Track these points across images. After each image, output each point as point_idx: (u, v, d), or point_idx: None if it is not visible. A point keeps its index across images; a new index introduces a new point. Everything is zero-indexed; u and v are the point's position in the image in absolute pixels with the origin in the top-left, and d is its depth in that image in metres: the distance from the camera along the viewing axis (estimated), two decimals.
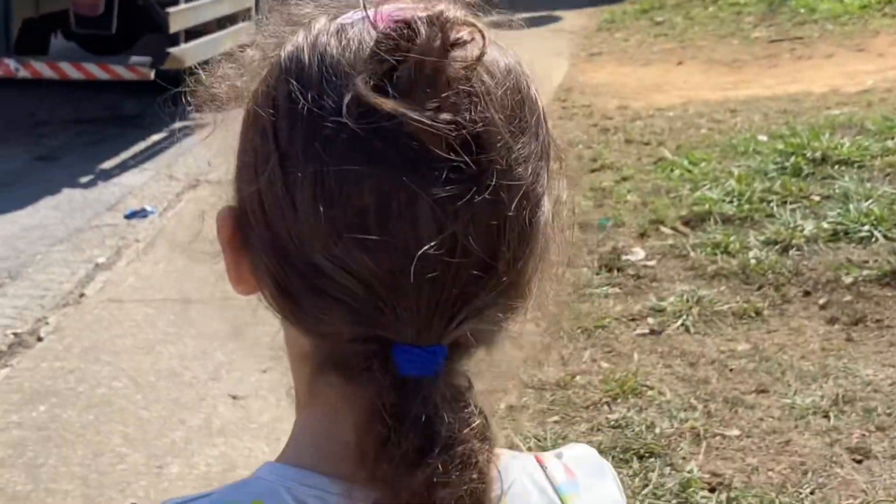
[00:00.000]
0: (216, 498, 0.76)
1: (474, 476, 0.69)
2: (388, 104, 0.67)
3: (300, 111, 0.70)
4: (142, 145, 7.68)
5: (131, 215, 6.18)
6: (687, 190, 5.55)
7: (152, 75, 7.10)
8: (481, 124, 0.69)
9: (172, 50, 7.20)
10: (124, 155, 7.39)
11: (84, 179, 6.87)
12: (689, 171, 5.85)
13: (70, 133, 7.94)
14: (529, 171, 0.71)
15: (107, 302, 4.77)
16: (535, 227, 0.72)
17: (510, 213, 0.70)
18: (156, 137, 7.90)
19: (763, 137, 6.37)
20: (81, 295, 4.90)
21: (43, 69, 7.09)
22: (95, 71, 7.07)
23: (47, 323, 4.60)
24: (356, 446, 0.69)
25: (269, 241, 0.72)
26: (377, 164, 0.68)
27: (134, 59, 7.09)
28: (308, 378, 0.75)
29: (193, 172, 6.89)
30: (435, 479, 0.67)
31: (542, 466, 0.83)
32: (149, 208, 6.24)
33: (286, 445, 0.78)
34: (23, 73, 7.12)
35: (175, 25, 7.12)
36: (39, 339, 4.44)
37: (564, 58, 10.26)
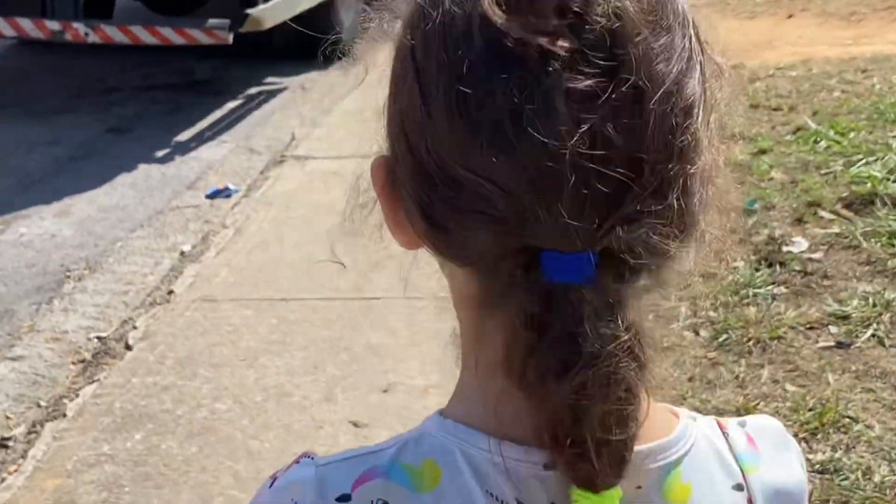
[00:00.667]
0: (384, 455, 0.73)
1: (621, 394, 0.66)
2: (509, 16, 0.66)
3: (432, 28, 0.69)
4: (217, 114, 7.15)
5: (214, 194, 5.65)
6: (840, 165, 4.91)
7: (231, 39, 6.54)
8: (616, 19, 0.65)
9: (251, 11, 6.62)
10: (200, 125, 6.86)
11: (160, 153, 6.35)
12: (837, 143, 5.19)
13: (142, 101, 7.42)
14: (673, 71, 0.68)
15: (199, 301, 4.24)
16: (684, 134, 0.68)
17: (653, 110, 0.66)
18: (232, 105, 7.37)
19: None
20: (170, 292, 4.38)
21: (115, 34, 6.55)
22: (171, 35, 6.52)
23: (135, 327, 4.08)
24: (505, 359, 0.68)
25: (413, 169, 0.71)
26: (509, 68, 0.66)
27: (211, 21, 6.52)
28: (474, 322, 0.73)
29: (275, 146, 6.34)
30: (580, 393, 0.65)
31: (723, 432, 0.80)
32: (232, 187, 5.71)
33: (453, 397, 0.76)
34: (93, 37, 6.59)
35: None
36: (128, 347, 3.93)
37: None
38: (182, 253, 4.84)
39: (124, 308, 4.31)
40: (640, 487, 0.72)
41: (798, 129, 5.51)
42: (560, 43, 0.65)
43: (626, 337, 0.66)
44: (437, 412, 0.75)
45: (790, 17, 8.52)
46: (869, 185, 4.57)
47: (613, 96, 0.65)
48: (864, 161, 4.87)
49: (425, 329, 3.86)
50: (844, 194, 4.56)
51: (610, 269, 0.67)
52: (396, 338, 3.85)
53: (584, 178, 0.65)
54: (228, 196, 5.60)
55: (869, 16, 8.08)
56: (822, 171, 4.89)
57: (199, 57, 8.08)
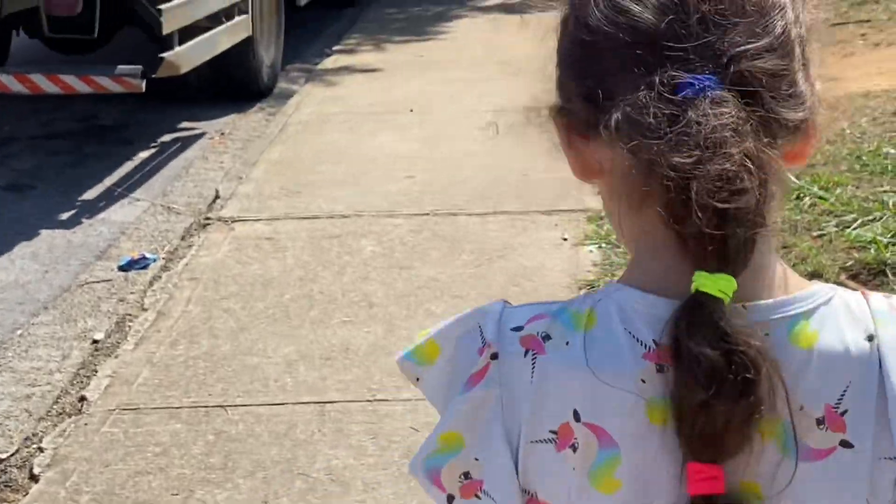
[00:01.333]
0: (558, 304, 0.89)
1: (728, 163, 0.79)
2: None
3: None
4: (128, 167, 6.44)
5: (128, 266, 4.96)
6: (833, 227, 4.43)
7: (143, 87, 5.86)
8: None
9: (166, 55, 5.95)
10: (109, 181, 6.14)
11: (64, 216, 5.63)
12: (824, 199, 4.73)
13: (41, 152, 6.67)
14: None
15: (118, 412, 3.56)
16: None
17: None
18: (143, 155, 6.67)
19: (890, 149, 5.26)
20: (82, 399, 3.69)
21: (11, 83, 5.82)
22: (76, 83, 5.80)
23: (41, 449, 3.39)
24: (673, 262, 0.84)
25: (577, 91, 0.89)
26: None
27: (121, 68, 5.83)
28: (637, 202, 0.85)
29: (196, 205, 5.67)
30: (708, 167, 0.80)
31: (865, 298, 0.88)
32: (149, 256, 5.02)
33: (626, 271, 0.91)
34: None
35: (169, 25, 5.87)
36: (33, 478, 3.24)
37: None
38: (94, 342, 4.16)
39: (27, 419, 3.62)
40: (767, 334, 0.82)
41: None
42: None
43: (732, 119, 0.81)
44: (614, 281, 0.91)
45: None
46: (873, 251, 4.10)
47: None
48: (859, 221, 4.40)
49: (396, 444, 3.26)
50: (848, 263, 4.08)
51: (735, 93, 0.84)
52: (362, 457, 3.23)
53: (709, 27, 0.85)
54: (145, 267, 4.91)
55: (818, 51, 7.69)
56: (815, 234, 4.42)
57: (104, 99, 7.36)
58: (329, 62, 9.12)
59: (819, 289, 0.86)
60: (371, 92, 7.88)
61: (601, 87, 0.87)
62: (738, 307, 0.80)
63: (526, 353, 0.85)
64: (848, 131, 5.73)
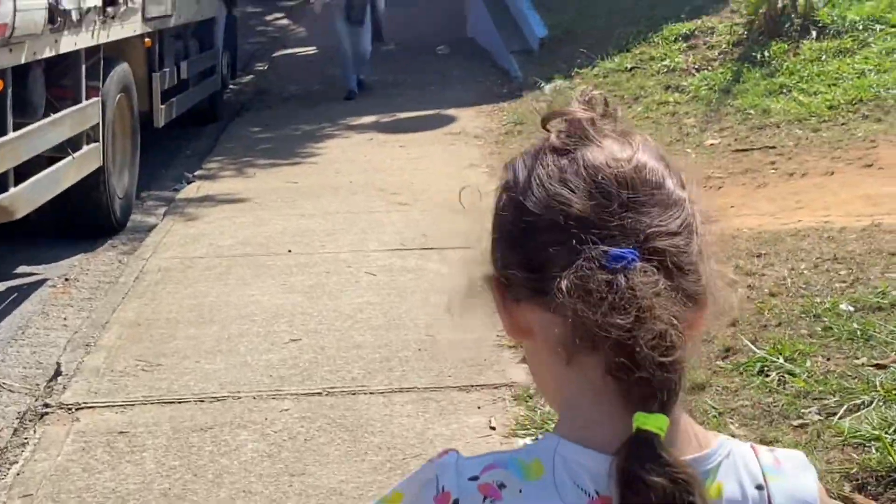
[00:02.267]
0: (507, 454, 1.00)
1: (666, 339, 0.94)
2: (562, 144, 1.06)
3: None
4: None
5: None
6: (815, 413, 3.70)
7: None
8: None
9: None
10: None
11: None
12: (792, 375, 4.00)
13: None
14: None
15: None
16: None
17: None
18: None
19: (847, 307, 4.61)
20: None
21: None
22: None
23: None
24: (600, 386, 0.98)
25: (516, 262, 1.02)
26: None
27: None
28: (563, 360, 0.99)
29: (33, 382, 4.63)
30: (639, 330, 0.94)
31: (755, 452, 1.02)
32: None
33: (558, 422, 1.02)
34: None
35: (2, 164, 4.88)
36: None
37: (484, 171, 8.39)
38: None
39: None
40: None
41: (728, 350, 4.31)
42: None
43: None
44: (550, 432, 1.02)
45: None
46: (875, 450, 3.36)
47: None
48: (845, 407, 3.68)
49: None
50: (851, 468, 3.33)
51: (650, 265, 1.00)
52: None
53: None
54: None
55: (727, 181, 7.15)
56: (795, 423, 3.67)
57: None
58: (191, 190, 8.17)
59: (720, 443, 1.00)
60: (240, 227, 6.96)
61: (538, 259, 1.00)
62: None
63: (484, 499, 0.96)
64: (790, 280, 5.07)
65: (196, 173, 8.77)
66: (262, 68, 15.25)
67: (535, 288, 0.99)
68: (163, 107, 8.43)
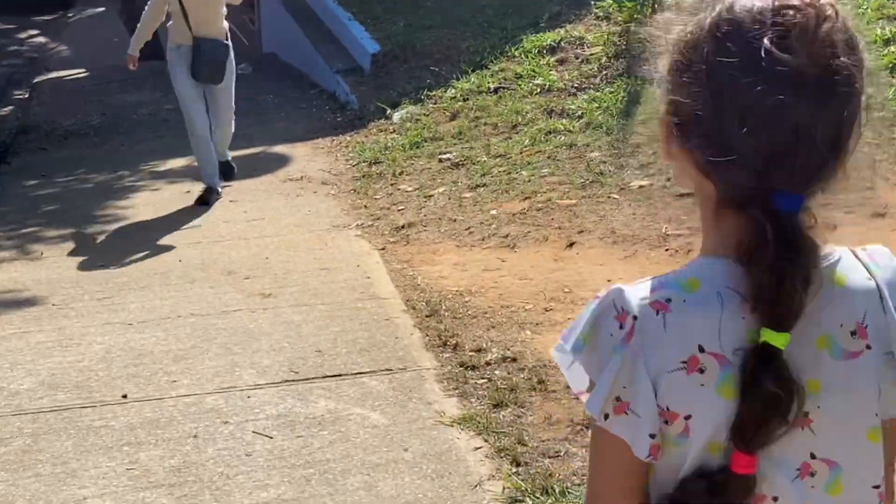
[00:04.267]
0: (663, 279, 1.21)
1: (805, 274, 1.14)
2: (784, 55, 1.12)
3: (726, 53, 1.15)
4: None
5: None
6: None
7: None
8: (837, 65, 1.14)
9: None
10: None
11: None
12: None
13: None
14: (858, 90, 1.16)
15: None
16: (857, 126, 1.17)
17: (847, 115, 1.15)
18: None
19: None
20: None
21: None
22: None
23: None
24: (745, 246, 1.16)
25: (700, 133, 1.17)
26: (777, 89, 1.12)
27: None
28: (716, 209, 1.20)
29: None
30: (794, 272, 1.13)
31: (853, 253, 1.25)
32: None
33: (701, 252, 1.24)
34: None
35: None
36: None
37: (357, 235, 6.37)
38: None
39: None
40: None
41: None
42: (799, 74, 1.13)
43: (813, 236, 1.17)
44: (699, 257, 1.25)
45: (572, 244, 5.70)
46: None
47: (831, 105, 1.14)
48: None
49: None
50: None
51: (809, 199, 1.17)
52: None
53: (808, 156, 1.15)
54: None
55: (691, 238, 5.44)
56: None
57: None
58: None
59: (832, 248, 1.22)
60: (39, 353, 4.69)
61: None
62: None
63: (657, 312, 1.18)
64: None
65: None
66: (21, 96, 12.58)
67: None
68: None
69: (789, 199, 1.14)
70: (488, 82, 8.72)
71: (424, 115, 8.64)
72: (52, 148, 9.41)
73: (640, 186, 6.43)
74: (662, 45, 1.22)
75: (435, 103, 8.78)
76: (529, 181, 6.79)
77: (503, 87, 8.63)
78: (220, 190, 7.24)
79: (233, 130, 7.43)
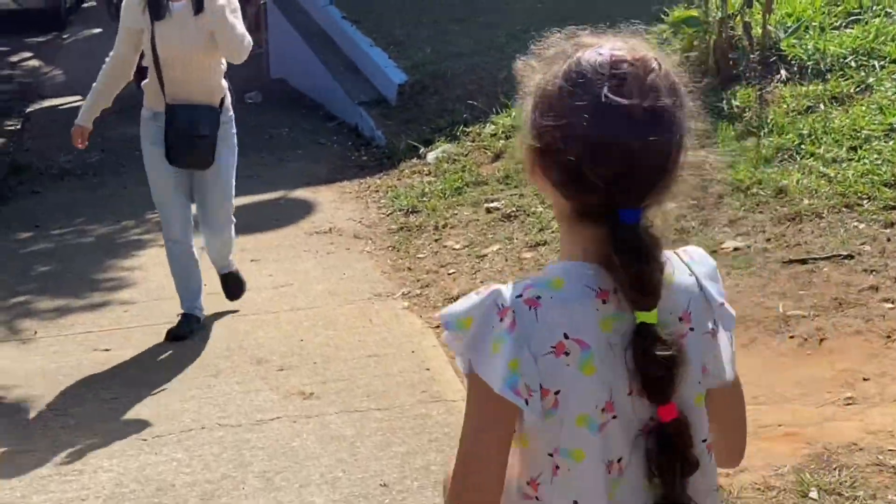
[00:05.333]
0: (534, 280, 1.44)
1: (656, 264, 1.39)
2: (620, 100, 1.37)
3: (576, 97, 1.39)
4: None
5: None
6: None
7: None
8: (661, 105, 1.39)
9: None
10: None
11: None
12: None
13: None
14: (681, 125, 1.41)
15: None
16: (682, 152, 1.41)
17: (676, 139, 1.40)
18: None
19: None
20: None
21: None
22: None
23: None
24: (601, 254, 1.40)
25: (556, 161, 1.40)
26: (616, 126, 1.37)
27: None
28: (572, 221, 1.43)
29: None
30: (644, 267, 1.37)
31: (676, 253, 1.51)
32: None
33: (560, 256, 1.49)
34: None
35: None
36: None
37: (404, 307, 5.40)
38: None
39: None
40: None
41: None
42: (632, 115, 1.38)
43: (658, 239, 1.42)
44: (551, 263, 1.52)
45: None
46: None
47: (659, 139, 1.40)
48: None
49: None
50: None
51: (646, 214, 1.41)
52: None
53: (643, 178, 1.40)
54: None
55: (828, 331, 4.46)
56: None
57: None
58: None
59: (669, 254, 1.48)
60: (31, 487, 3.72)
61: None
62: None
63: (530, 308, 1.40)
64: None
65: None
66: (13, 127, 11.60)
67: None
68: None
69: (631, 213, 1.38)
70: None
71: (462, 154, 7.68)
72: (47, 190, 8.42)
73: (736, 249, 5.48)
74: (527, 88, 1.48)
75: (473, 141, 7.82)
76: None
77: None
78: (201, 317, 5.15)
79: (234, 237, 5.23)
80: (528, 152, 1.44)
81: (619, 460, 1.41)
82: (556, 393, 1.39)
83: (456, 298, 5.92)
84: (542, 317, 1.38)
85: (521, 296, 1.40)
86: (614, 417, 1.40)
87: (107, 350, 5.01)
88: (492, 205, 6.72)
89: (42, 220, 7.49)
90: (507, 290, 1.41)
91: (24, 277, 6.24)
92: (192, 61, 4.78)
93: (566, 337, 1.38)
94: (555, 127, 1.38)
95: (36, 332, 5.32)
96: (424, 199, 7.05)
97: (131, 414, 4.28)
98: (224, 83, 4.95)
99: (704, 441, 1.47)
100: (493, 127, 7.87)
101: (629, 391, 1.40)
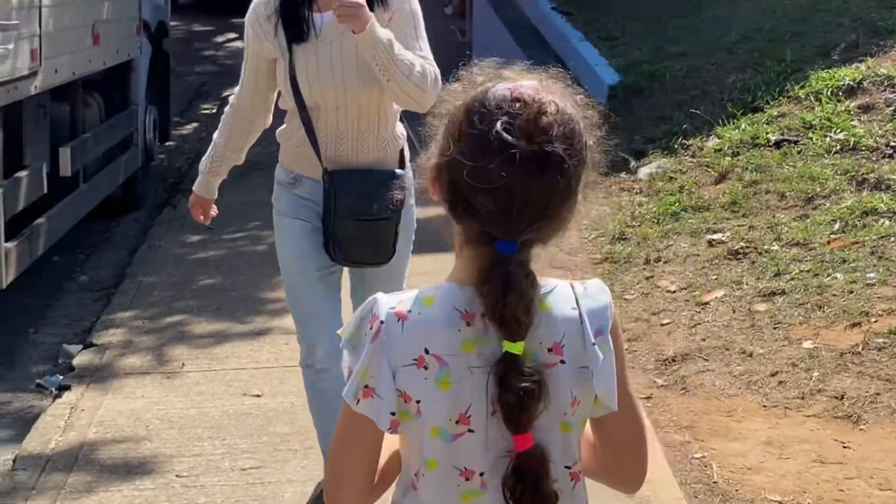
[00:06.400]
0: (411, 295, 1.49)
1: (524, 299, 1.40)
2: (507, 137, 1.39)
3: (472, 126, 1.43)
4: None
5: None
6: None
7: None
8: (550, 149, 1.40)
9: None
10: None
11: None
12: None
13: None
14: (571, 169, 1.42)
15: None
16: (570, 197, 1.44)
17: (561, 185, 1.41)
18: None
19: None
20: None
21: None
22: None
23: None
24: (477, 279, 1.43)
25: (448, 184, 1.44)
26: (500, 161, 1.39)
27: None
28: (461, 244, 1.48)
29: None
30: (509, 299, 1.39)
31: (571, 285, 1.52)
32: None
33: (450, 276, 1.50)
34: None
35: None
36: None
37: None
38: None
39: None
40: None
41: None
42: (524, 154, 1.40)
43: (531, 276, 1.42)
44: (444, 282, 1.51)
45: None
46: None
47: (545, 179, 1.42)
48: None
49: None
50: None
51: (525, 248, 1.43)
52: None
53: (524, 213, 1.41)
54: None
55: None
56: None
57: None
58: (48, 432, 4.12)
59: (549, 281, 1.49)
60: None
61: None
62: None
63: (398, 319, 1.46)
64: None
65: (76, 361, 4.74)
66: (209, 111, 11.24)
67: None
68: (10, 248, 4.44)
69: (507, 245, 1.42)
70: (766, 132, 6.61)
71: (680, 171, 6.63)
72: (230, 185, 7.82)
73: None
74: (445, 110, 1.50)
75: (693, 156, 6.76)
76: (851, 292, 4.70)
77: (787, 140, 6.51)
78: None
79: None
80: (430, 170, 1.49)
81: (481, 474, 1.47)
82: (418, 402, 1.46)
83: (672, 359, 4.99)
84: (407, 330, 1.46)
85: (394, 307, 1.47)
86: (470, 431, 1.46)
87: (258, 396, 4.28)
88: (715, 236, 5.67)
89: (215, 220, 6.87)
90: (384, 300, 1.49)
91: (184, 290, 5.61)
92: (355, 102, 3.07)
93: (426, 352, 1.45)
94: (451, 150, 1.44)
95: (183, 365, 4.63)
96: (634, 224, 6.06)
97: (271, 491, 3.51)
98: (400, 128, 3.25)
99: (568, 468, 1.51)
100: (717, 140, 6.78)
101: (492, 411, 1.44)
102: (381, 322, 1.45)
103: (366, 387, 1.44)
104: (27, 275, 5.07)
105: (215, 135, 3.37)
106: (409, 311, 1.46)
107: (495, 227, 1.41)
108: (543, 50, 9.47)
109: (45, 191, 4.94)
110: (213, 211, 3.52)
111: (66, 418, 4.10)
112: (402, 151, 3.23)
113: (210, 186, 3.46)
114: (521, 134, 1.39)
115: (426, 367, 1.44)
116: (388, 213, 3.11)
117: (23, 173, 4.68)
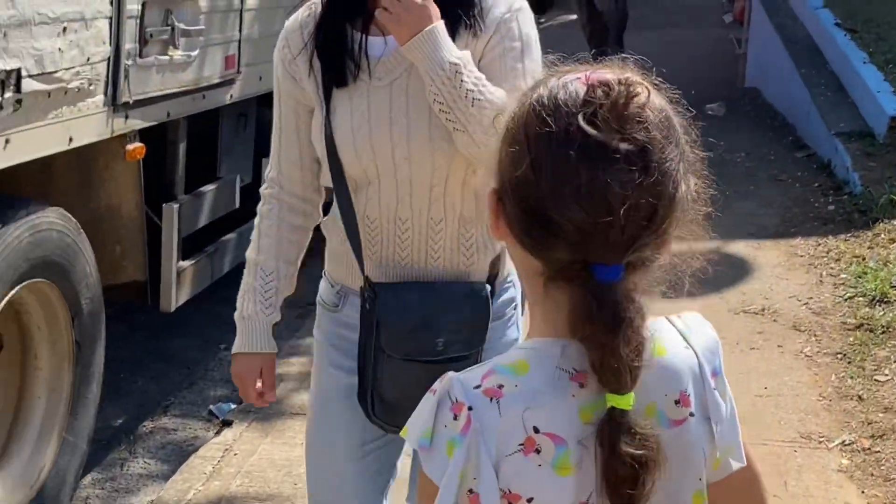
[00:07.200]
0: (493, 366, 1.17)
1: (636, 337, 1.11)
2: (594, 131, 1.09)
3: (544, 125, 1.12)
4: None
5: None
6: None
7: None
8: (647, 139, 1.11)
9: None
10: None
11: None
12: None
13: None
14: (674, 167, 1.12)
15: None
16: (676, 201, 1.13)
17: (662, 190, 1.11)
18: None
19: None
20: None
21: None
22: None
23: None
24: (571, 321, 1.12)
25: (520, 206, 1.13)
26: (589, 162, 1.09)
27: None
28: (541, 285, 1.15)
29: None
30: (620, 340, 1.09)
31: (669, 321, 1.24)
32: None
33: (531, 328, 1.21)
34: None
35: None
36: None
37: (839, 471, 3.65)
38: None
39: None
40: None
41: None
42: (617, 153, 1.10)
43: (640, 306, 1.12)
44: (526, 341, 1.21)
45: None
46: None
47: (644, 182, 1.10)
48: None
49: None
50: None
51: (630, 273, 1.13)
52: None
53: (623, 227, 1.10)
54: None
55: None
56: None
57: None
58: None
59: (654, 321, 1.20)
60: None
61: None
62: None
63: (491, 399, 1.14)
64: None
65: (236, 406, 4.39)
66: None
67: None
68: (185, 267, 4.15)
69: (609, 270, 1.13)
70: None
71: None
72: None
73: None
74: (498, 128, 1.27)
75: None
76: None
77: None
78: None
79: None
80: (490, 199, 1.19)
81: None
82: (529, 500, 1.15)
83: None
84: (505, 410, 1.14)
85: (479, 386, 1.16)
86: None
87: None
88: None
89: None
90: (460, 379, 1.17)
91: None
92: (426, 174, 1.99)
93: (536, 431, 1.15)
94: (518, 162, 1.14)
95: None
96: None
97: None
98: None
99: None
100: None
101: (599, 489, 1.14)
102: (469, 408, 1.14)
103: (470, 491, 1.13)
104: (226, 282, 4.79)
105: (250, 253, 2.17)
106: (503, 386, 1.15)
107: (591, 249, 1.11)
108: (821, 70, 8.47)
109: (237, 205, 4.64)
110: (274, 376, 2.18)
111: (216, 463, 3.75)
112: (499, 256, 2.05)
113: (263, 335, 2.14)
114: (611, 125, 1.11)
115: (538, 451, 1.14)
116: (465, 352, 1.98)
117: (209, 187, 4.39)
